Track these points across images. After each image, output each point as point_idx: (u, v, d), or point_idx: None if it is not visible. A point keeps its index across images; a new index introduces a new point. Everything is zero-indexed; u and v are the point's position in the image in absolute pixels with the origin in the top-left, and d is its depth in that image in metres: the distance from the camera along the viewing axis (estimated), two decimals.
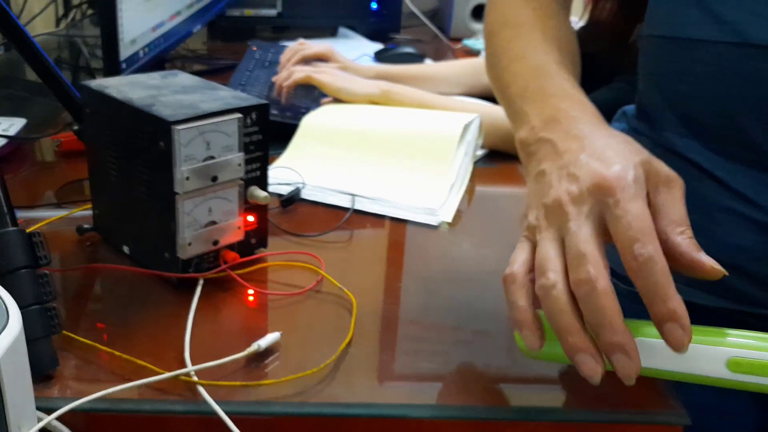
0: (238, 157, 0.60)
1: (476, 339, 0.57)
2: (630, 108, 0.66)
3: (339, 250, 0.70)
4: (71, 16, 1.55)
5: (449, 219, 0.77)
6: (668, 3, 0.56)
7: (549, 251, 0.41)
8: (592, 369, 0.39)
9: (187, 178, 0.57)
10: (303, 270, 0.65)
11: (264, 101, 0.62)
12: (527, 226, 0.44)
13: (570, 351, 0.39)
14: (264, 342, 0.53)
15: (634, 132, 0.63)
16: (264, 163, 0.64)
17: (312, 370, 0.51)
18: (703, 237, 0.56)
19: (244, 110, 0.60)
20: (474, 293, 0.64)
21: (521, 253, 0.43)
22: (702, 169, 0.56)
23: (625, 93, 0.65)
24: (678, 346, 0.38)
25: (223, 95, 0.63)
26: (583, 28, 1.10)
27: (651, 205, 0.40)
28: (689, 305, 0.58)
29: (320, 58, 1.14)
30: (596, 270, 0.38)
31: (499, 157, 0.96)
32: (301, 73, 1.02)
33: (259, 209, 0.65)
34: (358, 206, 0.78)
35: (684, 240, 0.40)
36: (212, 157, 0.59)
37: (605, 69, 0.96)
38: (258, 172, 0.64)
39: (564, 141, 0.44)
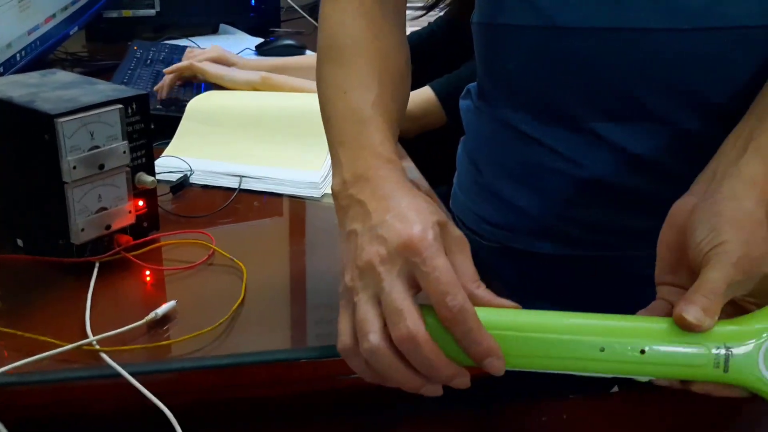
0: (122, 145, 0.65)
1: None
2: (473, 86, 0.74)
3: (229, 227, 0.76)
4: None
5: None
6: None
7: (366, 313, 0.42)
8: (436, 391, 0.44)
9: (74, 167, 0.61)
10: (195, 247, 0.70)
11: (143, 92, 0.67)
12: (344, 288, 0.45)
13: (414, 390, 0.44)
14: (161, 310, 0.58)
15: (476, 109, 0.72)
16: (148, 150, 0.68)
17: (207, 329, 0.57)
18: (538, 196, 0.66)
19: (124, 101, 0.65)
20: None
21: (345, 322, 0.45)
22: (532, 138, 0.65)
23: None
24: (498, 373, 0.43)
25: (103, 89, 0.67)
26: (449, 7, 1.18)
27: None
28: (539, 256, 0.68)
29: (213, 61, 1.17)
30: (414, 324, 0.41)
31: None
32: (184, 62, 1.06)
33: (148, 194, 0.69)
34: (246, 186, 0.83)
35: (482, 292, 0.45)
36: (97, 147, 0.63)
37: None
38: (143, 159, 0.68)
39: (372, 201, 0.46)
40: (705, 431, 0.57)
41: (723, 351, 0.42)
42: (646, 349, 0.42)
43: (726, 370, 0.42)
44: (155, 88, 1.10)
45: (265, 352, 0.55)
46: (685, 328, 0.42)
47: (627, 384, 0.78)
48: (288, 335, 0.58)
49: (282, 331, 0.58)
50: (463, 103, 0.75)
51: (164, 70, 1.10)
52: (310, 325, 0.59)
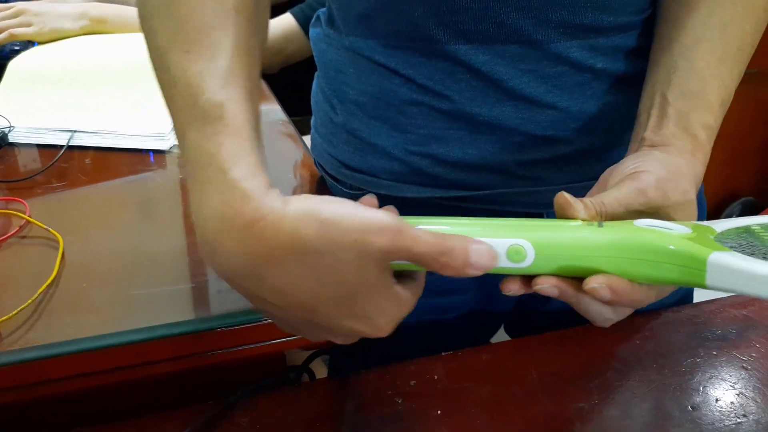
0: None
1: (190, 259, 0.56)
2: (323, 11, 0.64)
3: (51, 191, 0.65)
4: None
5: None
6: None
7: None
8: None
9: None
10: (5, 218, 0.60)
11: None
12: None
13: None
14: None
15: (326, 37, 0.62)
16: None
17: (3, 318, 0.47)
18: (398, 131, 0.58)
19: None
20: None
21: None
22: (388, 68, 0.56)
23: None
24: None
25: None
26: None
27: None
28: (399, 200, 0.60)
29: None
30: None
31: None
32: (2, 33, 0.92)
33: None
34: (78, 142, 0.72)
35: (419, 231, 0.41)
36: None
37: None
38: None
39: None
40: (578, 378, 0.52)
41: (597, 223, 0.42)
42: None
43: (600, 225, 0.41)
44: None
45: (78, 340, 0.47)
46: (559, 203, 0.41)
47: (511, 331, 0.74)
48: (108, 318, 0.49)
49: (102, 313, 0.50)
50: (313, 32, 0.65)
51: None
52: (136, 305, 0.50)
